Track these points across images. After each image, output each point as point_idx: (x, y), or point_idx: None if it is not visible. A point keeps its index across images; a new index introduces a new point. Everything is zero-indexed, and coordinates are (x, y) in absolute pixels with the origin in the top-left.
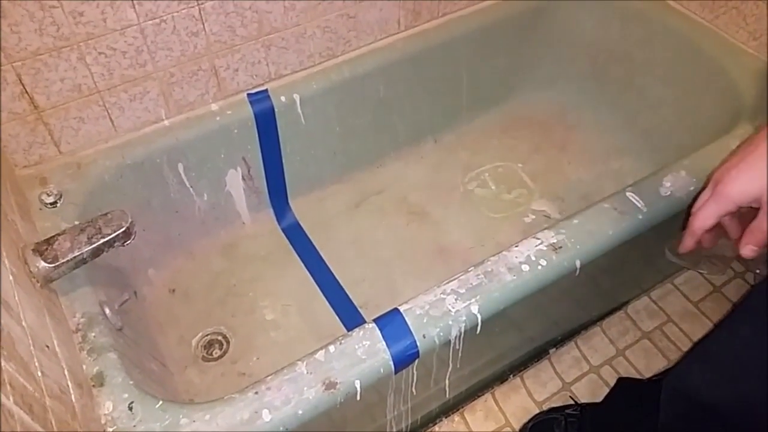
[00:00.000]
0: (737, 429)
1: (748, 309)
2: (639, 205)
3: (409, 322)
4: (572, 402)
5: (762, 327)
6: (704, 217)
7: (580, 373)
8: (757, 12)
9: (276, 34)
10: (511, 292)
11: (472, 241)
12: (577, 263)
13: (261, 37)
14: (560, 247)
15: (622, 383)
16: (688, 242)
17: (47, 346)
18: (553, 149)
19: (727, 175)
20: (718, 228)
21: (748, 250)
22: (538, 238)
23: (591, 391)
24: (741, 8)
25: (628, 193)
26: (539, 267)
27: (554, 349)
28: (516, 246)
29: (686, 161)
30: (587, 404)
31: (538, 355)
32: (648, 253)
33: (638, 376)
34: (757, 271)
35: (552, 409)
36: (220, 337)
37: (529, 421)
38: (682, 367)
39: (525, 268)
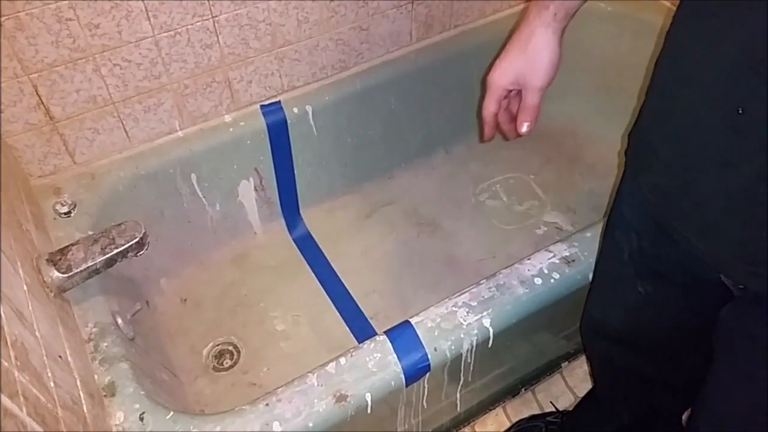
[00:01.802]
0: (643, 354)
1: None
2: None
3: (420, 335)
4: (553, 409)
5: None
6: (486, 106)
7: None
8: None
9: (289, 46)
10: (524, 306)
11: (483, 253)
12: (590, 277)
13: (274, 49)
14: (573, 260)
15: (591, 390)
16: (486, 131)
17: (60, 357)
18: (565, 161)
19: (491, 67)
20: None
21: (524, 127)
22: (551, 251)
23: None
24: None
25: None
26: (552, 280)
27: (566, 363)
28: (528, 259)
29: None
30: (568, 411)
31: (550, 368)
32: None
33: None
34: None
35: (533, 417)
36: (230, 347)
37: (510, 428)
38: (585, 309)
39: (538, 281)
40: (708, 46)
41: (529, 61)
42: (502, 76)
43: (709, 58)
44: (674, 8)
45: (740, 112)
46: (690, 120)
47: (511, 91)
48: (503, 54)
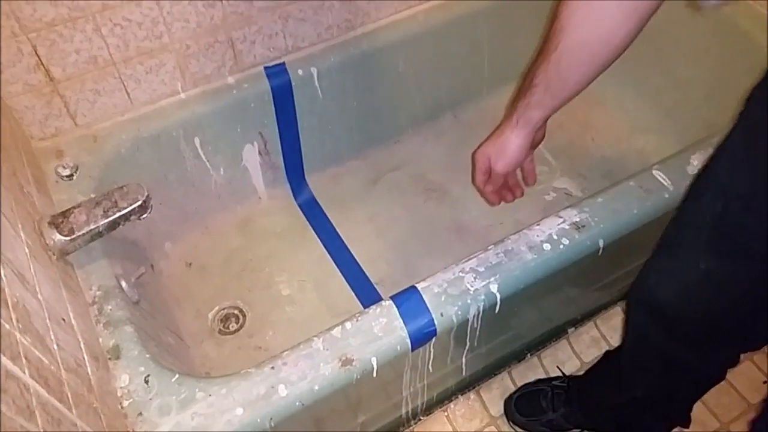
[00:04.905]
0: (682, 339)
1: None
2: (665, 184)
3: (426, 300)
4: (560, 374)
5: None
6: (474, 179)
7: (599, 353)
8: None
9: (293, 5)
10: (532, 272)
11: (491, 219)
12: (601, 243)
13: (278, 8)
14: (583, 226)
15: (608, 356)
16: (488, 198)
17: (63, 319)
18: (576, 126)
19: (494, 160)
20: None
21: (492, 198)
22: (561, 217)
23: None
24: None
25: (654, 172)
26: (561, 246)
27: (573, 329)
28: (537, 224)
29: (714, 139)
30: (574, 376)
31: (556, 334)
32: None
33: None
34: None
35: (539, 381)
36: (236, 311)
37: (515, 392)
38: (640, 277)
39: (546, 246)
40: None
41: (497, 151)
42: (480, 155)
43: None
44: None
45: None
46: None
47: None
48: (489, 136)
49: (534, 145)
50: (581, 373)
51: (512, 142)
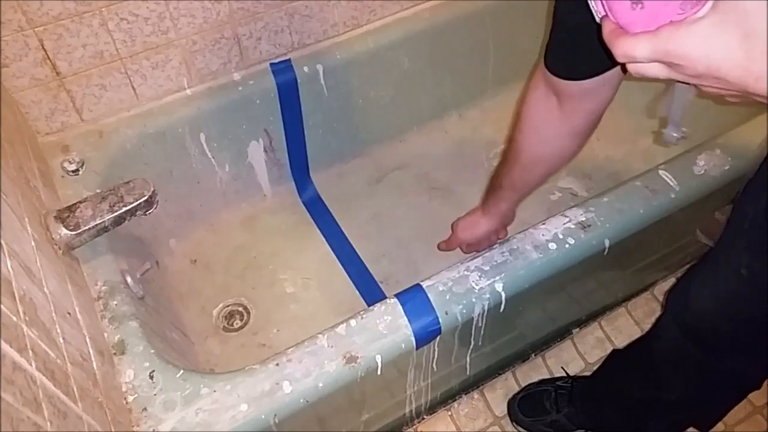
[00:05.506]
0: (722, 354)
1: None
2: (672, 184)
3: (431, 299)
4: (564, 374)
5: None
6: (448, 249)
7: (603, 354)
8: None
9: (300, 1)
10: (537, 271)
11: None
12: (606, 242)
13: (284, 4)
14: (589, 226)
15: (614, 355)
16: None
17: (69, 313)
18: None
19: (460, 231)
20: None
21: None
22: (567, 216)
23: None
24: None
25: (660, 172)
26: (567, 245)
27: (578, 330)
28: (543, 224)
29: (721, 140)
30: (578, 376)
31: (561, 334)
32: (678, 233)
33: None
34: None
35: (543, 381)
36: (240, 309)
37: (519, 392)
38: (677, 290)
39: (552, 246)
40: None
41: (466, 227)
42: (454, 225)
43: None
44: None
45: None
46: None
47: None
48: (470, 211)
49: (505, 225)
50: (585, 373)
51: (482, 225)
